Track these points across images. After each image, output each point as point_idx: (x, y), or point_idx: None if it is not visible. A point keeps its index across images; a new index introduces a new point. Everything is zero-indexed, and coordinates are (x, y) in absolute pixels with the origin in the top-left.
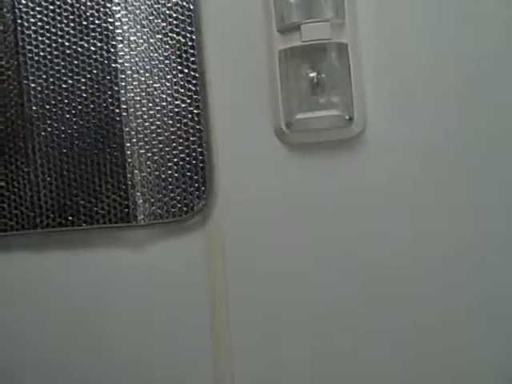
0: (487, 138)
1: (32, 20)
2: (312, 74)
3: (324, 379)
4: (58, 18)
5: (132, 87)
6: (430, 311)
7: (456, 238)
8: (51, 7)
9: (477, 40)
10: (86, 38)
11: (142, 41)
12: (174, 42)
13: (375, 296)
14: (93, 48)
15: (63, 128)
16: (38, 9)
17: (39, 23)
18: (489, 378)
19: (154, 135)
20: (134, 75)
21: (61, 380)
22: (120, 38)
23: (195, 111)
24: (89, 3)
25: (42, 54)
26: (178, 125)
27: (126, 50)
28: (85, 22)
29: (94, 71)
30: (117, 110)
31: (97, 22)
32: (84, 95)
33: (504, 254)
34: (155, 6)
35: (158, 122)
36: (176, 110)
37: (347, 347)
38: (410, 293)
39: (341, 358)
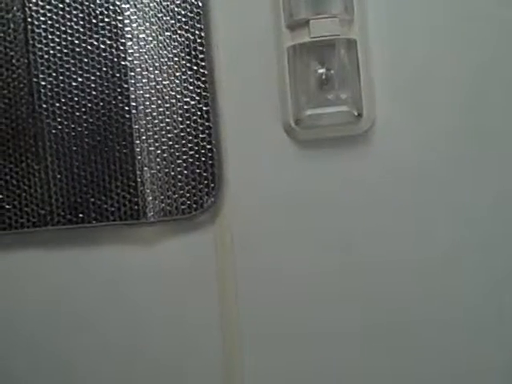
0: (497, 135)
1: (42, 18)
2: (321, 71)
3: (332, 377)
4: (68, 16)
5: (141, 85)
6: (432, 308)
7: (462, 237)
8: (61, 6)
9: (487, 36)
10: (95, 36)
11: (151, 38)
12: (182, 39)
13: (380, 292)
14: (102, 46)
15: (73, 126)
16: (47, 7)
17: (49, 22)
18: (490, 377)
19: (164, 132)
20: (144, 73)
21: (70, 378)
22: (129, 36)
23: (204, 108)
24: (98, 1)
25: (51, 52)
26: (187, 122)
27: (136, 47)
28: (94, 20)
29: (104, 69)
30: (126, 108)
31: (106, 20)
32: (94, 93)
33: (507, 253)
34: (164, 3)
35: (168, 120)
36: (185, 107)
37: (353, 345)
38: (415, 290)
39: (346, 355)
